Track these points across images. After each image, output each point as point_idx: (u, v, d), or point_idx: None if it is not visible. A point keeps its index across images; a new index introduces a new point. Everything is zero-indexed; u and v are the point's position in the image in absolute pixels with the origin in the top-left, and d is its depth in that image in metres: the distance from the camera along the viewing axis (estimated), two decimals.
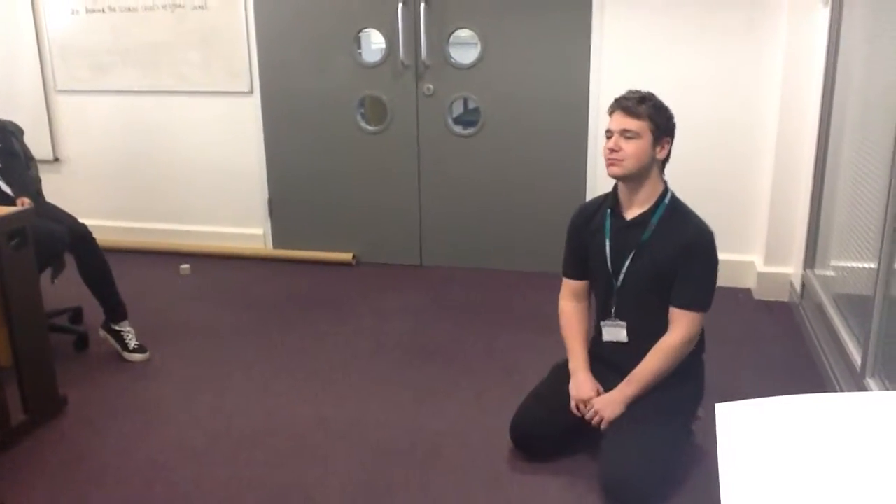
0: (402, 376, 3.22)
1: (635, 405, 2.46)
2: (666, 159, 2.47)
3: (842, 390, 2.94)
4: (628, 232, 2.50)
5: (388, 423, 2.85)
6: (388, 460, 2.61)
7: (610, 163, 2.43)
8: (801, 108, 3.77)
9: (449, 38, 4.23)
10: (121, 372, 3.28)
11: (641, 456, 2.32)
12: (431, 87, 4.30)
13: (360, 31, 4.38)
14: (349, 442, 2.72)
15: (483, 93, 4.28)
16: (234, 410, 2.95)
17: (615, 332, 2.58)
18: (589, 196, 4.18)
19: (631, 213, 2.51)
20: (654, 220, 2.47)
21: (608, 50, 4.02)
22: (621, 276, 2.52)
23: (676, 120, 2.47)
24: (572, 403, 2.53)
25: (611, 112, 2.45)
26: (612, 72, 4.03)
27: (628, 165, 2.40)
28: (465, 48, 4.29)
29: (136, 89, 4.73)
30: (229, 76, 4.56)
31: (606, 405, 2.47)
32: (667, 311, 2.47)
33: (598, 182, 4.14)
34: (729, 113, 3.97)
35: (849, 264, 3.18)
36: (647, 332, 2.51)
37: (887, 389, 2.56)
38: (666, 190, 2.50)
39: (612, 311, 2.57)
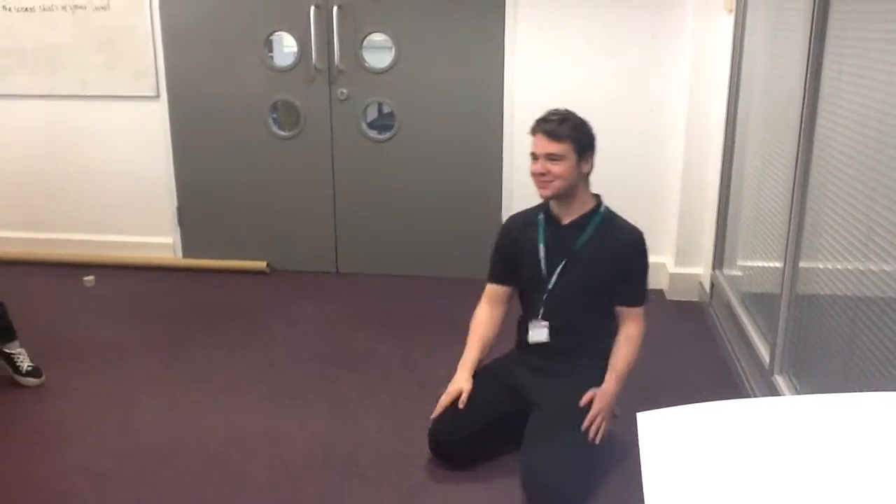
0: (316, 387, 3.15)
1: (552, 409, 2.48)
2: (591, 170, 2.56)
3: (752, 387, 3.01)
4: (564, 235, 2.58)
5: (303, 436, 2.78)
6: (302, 474, 2.54)
7: (540, 185, 2.51)
8: (707, 112, 3.86)
9: (362, 42, 4.18)
10: (17, 391, 3.10)
11: (561, 458, 2.33)
12: (345, 91, 4.24)
13: (272, 34, 4.29)
14: (262, 457, 2.64)
15: (398, 97, 4.24)
16: (142, 428, 2.83)
17: (538, 332, 2.62)
18: (505, 199, 4.21)
19: (566, 220, 2.60)
20: (591, 229, 2.56)
21: (521, 53, 4.04)
22: (554, 279, 2.58)
23: (589, 122, 2.52)
24: (445, 394, 2.59)
25: (532, 133, 2.50)
26: (525, 74, 4.05)
27: (558, 186, 2.49)
28: (379, 52, 4.24)
29: (34, 93, 4.50)
30: (134, 79, 4.39)
31: (602, 398, 2.48)
32: (594, 312, 2.59)
33: (515, 186, 4.16)
34: (638, 115, 4.04)
35: (755, 264, 3.27)
36: (568, 330, 2.59)
37: (794, 386, 2.64)
38: (600, 202, 2.61)
39: (540, 312, 2.62)
